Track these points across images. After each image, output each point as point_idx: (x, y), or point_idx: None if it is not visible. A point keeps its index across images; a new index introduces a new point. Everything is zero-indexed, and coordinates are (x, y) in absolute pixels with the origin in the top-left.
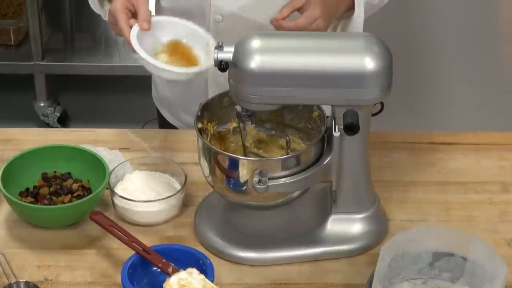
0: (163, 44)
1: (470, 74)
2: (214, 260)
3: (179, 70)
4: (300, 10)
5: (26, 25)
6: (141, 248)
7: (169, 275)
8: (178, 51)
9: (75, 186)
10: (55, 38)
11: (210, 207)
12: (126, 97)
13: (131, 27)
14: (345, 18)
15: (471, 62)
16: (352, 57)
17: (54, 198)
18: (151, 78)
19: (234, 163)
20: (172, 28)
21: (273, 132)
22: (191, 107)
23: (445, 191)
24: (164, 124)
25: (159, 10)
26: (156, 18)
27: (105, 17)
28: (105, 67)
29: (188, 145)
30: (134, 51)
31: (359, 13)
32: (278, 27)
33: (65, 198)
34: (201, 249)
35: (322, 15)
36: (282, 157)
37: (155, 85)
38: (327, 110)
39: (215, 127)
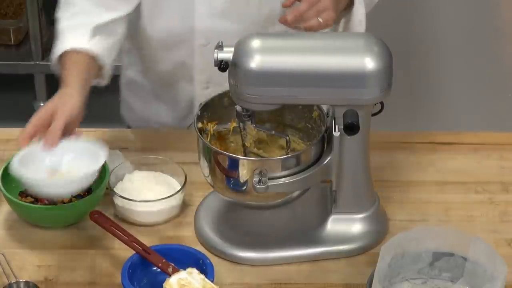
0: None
1: (471, 74)
2: (214, 260)
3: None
4: None
5: (26, 25)
6: (141, 248)
7: (169, 275)
8: None
9: None
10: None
11: (210, 207)
12: None
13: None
14: (345, 16)
15: (472, 62)
16: (352, 57)
17: None
18: None
19: (234, 163)
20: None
21: (273, 132)
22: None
23: (445, 191)
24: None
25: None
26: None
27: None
28: None
29: (188, 145)
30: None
31: (358, 9)
32: (284, 22)
33: (65, 198)
34: (201, 249)
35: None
36: (282, 157)
37: (129, 105)
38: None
39: (215, 127)
